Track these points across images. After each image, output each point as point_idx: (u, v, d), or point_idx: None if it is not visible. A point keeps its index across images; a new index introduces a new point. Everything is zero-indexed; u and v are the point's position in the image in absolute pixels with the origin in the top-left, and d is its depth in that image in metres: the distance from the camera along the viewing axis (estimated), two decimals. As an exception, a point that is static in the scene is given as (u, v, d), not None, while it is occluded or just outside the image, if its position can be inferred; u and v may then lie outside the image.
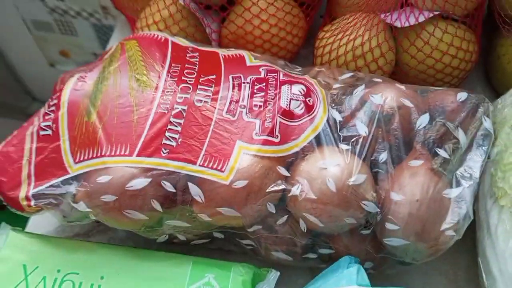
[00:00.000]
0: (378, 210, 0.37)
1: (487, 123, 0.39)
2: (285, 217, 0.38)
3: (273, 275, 0.40)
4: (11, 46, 1.05)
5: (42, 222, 0.46)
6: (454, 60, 0.49)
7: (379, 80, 0.42)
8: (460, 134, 0.38)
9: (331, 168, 0.36)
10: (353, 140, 0.38)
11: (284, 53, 0.53)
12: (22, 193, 0.39)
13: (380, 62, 0.49)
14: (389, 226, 0.37)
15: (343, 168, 0.36)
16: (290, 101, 0.39)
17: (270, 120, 0.39)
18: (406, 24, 0.48)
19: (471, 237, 0.41)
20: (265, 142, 0.38)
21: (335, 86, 0.42)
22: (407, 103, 0.39)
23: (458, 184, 0.37)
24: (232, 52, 0.46)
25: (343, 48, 0.50)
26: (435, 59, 0.49)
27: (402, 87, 0.41)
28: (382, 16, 0.48)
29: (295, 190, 0.36)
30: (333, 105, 0.40)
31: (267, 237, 0.40)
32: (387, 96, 0.39)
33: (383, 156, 0.37)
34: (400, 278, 0.43)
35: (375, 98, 0.40)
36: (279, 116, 0.39)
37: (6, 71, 1.06)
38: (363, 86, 0.41)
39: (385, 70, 0.50)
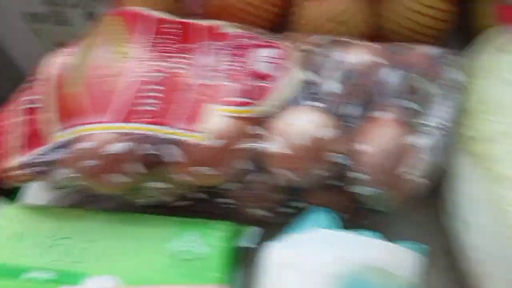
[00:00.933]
0: (347, 161, 0.38)
1: (453, 74, 0.41)
2: (262, 173, 0.40)
3: (253, 231, 0.42)
4: (8, 38, 1.07)
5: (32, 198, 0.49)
6: (431, 20, 0.50)
7: (352, 40, 0.44)
8: (429, 86, 0.40)
9: (304, 124, 0.38)
10: (325, 97, 0.40)
11: (261, 22, 0.55)
12: (11, 163, 0.41)
13: (360, 27, 0.50)
14: (357, 176, 0.38)
15: (315, 123, 0.38)
16: (262, 64, 0.41)
17: (244, 82, 0.40)
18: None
19: (444, 187, 0.42)
20: (240, 103, 0.40)
21: (309, 48, 0.44)
22: (378, 59, 0.41)
23: (426, 133, 0.39)
24: (210, 22, 0.47)
25: (326, 16, 0.51)
26: (414, 21, 0.50)
27: (374, 45, 0.42)
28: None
29: (270, 147, 0.38)
30: (307, 65, 0.42)
31: (246, 194, 0.42)
32: (359, 54, 0.41)
33: (353, 111, 0.39)
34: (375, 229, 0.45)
35: (347, 57, 0.41)
36: (252, 78, 0.41)
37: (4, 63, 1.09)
38: (336, 47, 0.43)
39: (366, 35, 0.51)
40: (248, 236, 0.42)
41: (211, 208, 0.45)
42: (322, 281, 0.32)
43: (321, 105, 0.39)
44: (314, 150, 0.37)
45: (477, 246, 0.36)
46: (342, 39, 0.45)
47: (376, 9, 0.51)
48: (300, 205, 0.42)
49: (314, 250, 0.34)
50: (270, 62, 0.41)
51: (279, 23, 0.57)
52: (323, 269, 0.33)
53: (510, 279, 0.33)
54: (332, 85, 0.40)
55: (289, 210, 0.43)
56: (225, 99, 0.40)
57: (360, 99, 0.40)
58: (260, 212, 0.43)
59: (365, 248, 0.34)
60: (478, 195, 0.36)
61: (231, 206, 0.44)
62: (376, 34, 0.53)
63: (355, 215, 0.42)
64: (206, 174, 0.39)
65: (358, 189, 0.39)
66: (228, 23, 0.48)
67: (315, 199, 0.41)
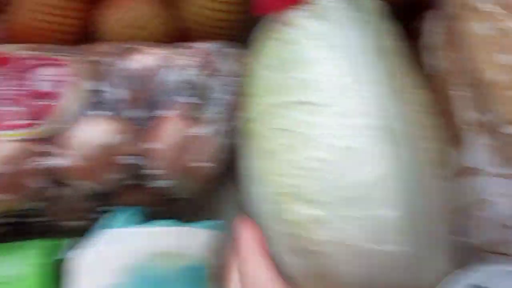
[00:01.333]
0: (139, 161, 0.41)
1: (227, 65, 0.45)
2: (63, 187, 0.41)
3: (68, 243, 0.43)
4: None
5: None
6: (224, 14, 0.53)
7: (136, 46, 0.46)
8: (203, 80, 0.44)
9: (92, 134, 0.40)
10: (111, 104, 0.42)
11: (62, 36, 0.55)
12: None
13: (159, 29, 0.53)
14: (151, 172, 0.42)
15: (103, 131, 0.40)
16: (44, 83, 0.42)
17: (27, 104, 0.41)
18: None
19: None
20: (24, 126, 0.41)
21: (95, 58, 0.45)
22: (159, 62, 0.43)
23: (206, 121, 0.43)
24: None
25: (119, 23, 0.52)
26: (207, 17, 0.53)
27: (156, 48, 0.45)
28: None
29: (62, 161, 0.40)
30: (93, 76, 0.43)
31: (55, 210, 0.43)
32: (134, 59, 0.43)
33: (140, 113, 0.42)
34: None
35: (123, 63, 0.43)
36: (34, 99, 0.42)
37: None
38: (116, 54, 0.45)
39: (167, 36, 0.53)
40: (66, 248, 0.43)
41: (27, 228, 0.45)
42: (110, 276, 0.35)
43: (108, 113, 0.42)
44: (105, 156, 0.40)
45: (259, 212, 0.40)
46: (130, 45, 0.47)
47: (174, 11, 0.54)
48: (110, 208, 0.44)
49: (101, 249, 0.36)
50: (52, 80, 0.43)
51: (82, 34, 0.58)
52: (109, 265, 0.35)
53: (280, 230, 0.37)
54: (117, 92, 0.42)
55: (101, 215, 0.45)
56: (9, 123, 0.41)
57: (145, 101, 0.42)
58: (74, 223, 0.45)
59: (154, 238, 0.37)
60: (253, 169, 0.40)
61: (46, 223, 0.45)
62: (179, 35, 0.55)
63: (163, 206, 0.45)
64: (1, 200, 0.40)
65: (156, 184, 0.42)
66: (20, 45, 0.48)
67: (121, 200, 0.44)
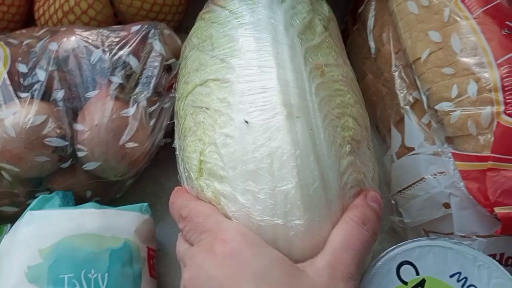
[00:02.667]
0: (67, 143, 0.41)
1: (157, 46, 0.44)
2: (-9, 172, 0.41)
3: (8, 228, 0.43)
4: None
5: None
6: None
7: (63, 29, 0.46)
8: (132, 60, 0.43)
9: (9, 117, 0.39)
10: (33, 87, 0.41)
11: (4, 24, 0.55)
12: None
13: (90, 13, 0.53)
14: (80, 154, 0.41)
15: (20, 114, 0.40)
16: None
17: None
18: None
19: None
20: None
21: (26, 41, 0.45)
22: (81, 42, 0.43)
23: (135, 102, 0.42)
24: None
25: (53, 7, 0.53)
26: (141, 0, 0.53)
27: (80, 30, 0.45)
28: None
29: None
30: (19, 59, 0.43)
31: (-15, 195, 0.43)
32: (63, 41, 0.43)
33: (61, 95, 0.41)
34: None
35: (52, 45, 0.43)
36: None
37: None
38: (47, 37, 0.44)
39: (99, 20, 0.54)
40: (4, 233, 0.43)
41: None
42: (31, 257, 0.35)
43: (32, 94, 0.41)
44: (22, 139, 0.39)
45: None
46: (61, 28, 0.47)
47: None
48: (45, 193, 0.44)
49: (22, 231, 0.36)
50: (-20, 63, 0.42)
51: (24, 21, 0.58)
52: (30, 247, 0.35)
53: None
54: (40, 74, 0.42)
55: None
56: None
57: (69, 82, 0.42)
58: (7, 209, 0.44)
59: (77, 219, 0.37)
60: (179, 147, 0.39)
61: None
62: (114, 18, 0.55)
63: (99, 189, 0.45)
64: None
65: (84, 166, 0.42)
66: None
67: (55, 184, 0.43)
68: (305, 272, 0.30)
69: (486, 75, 0.39)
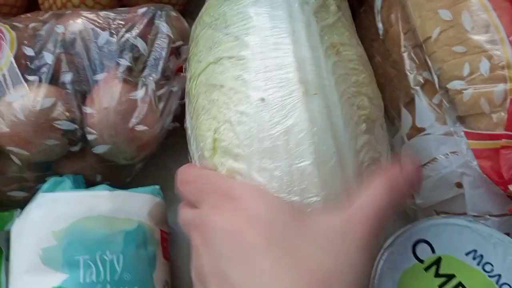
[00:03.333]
0: (76, 126, 0.40)
1: (164, 28, 0.44)
2: (2, 157, 0.41)
3: (18, 213, 0.43)
4: None
5: None
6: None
7: (68, 12, 0.45)
8: (139, 43, 0.43)
9: (17, 100, 0.39)
10: (41, 69, 0.41)
11: (7, 9, 0.54)
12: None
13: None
14: (89, 137, 0.41)
15: (28, 97, 0.39)
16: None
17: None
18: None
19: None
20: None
21: (32, 25, 0.44)
22: (88, 25, 0.42)
23: (143, 85, 0.42)
24: None
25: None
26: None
27: (86, 12, 0.44)
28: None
29: (-1, 128, 0.39)
30: (26, 42, 0.42)
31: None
32: (69, 24, 0.43)
33: (69, 78, 0.41)
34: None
35: (59, 28, 0.43)
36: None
37: None
38: (53, 20, 0.44)
39: (103, 4, 0.53)
40: (14, 219, 0.43)
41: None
42: (44, 239, 0.34)
43: (40, 77, 0.41)
44: (31, 121, 0.39)
45: None
46: (66, 11, 0.46)
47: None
48: (52, 177, 0.43)
49: (34, 214, 0.36)
50: (-13, 47, 0.42)
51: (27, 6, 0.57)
52: (42, 229, 0.35)
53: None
54: (47, 56, 0.41)
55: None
56: None
57: (77, 65, 0.42)
58: (20, 194, 0.44)
59: (89, 202, 0.37)
60: (192, 127, 0.39)
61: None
62: (120, 3, 0.55)
63: (109, 173, 0.44)
64: None
65: (93, 149, 0.41)
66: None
67: (65, 169, 0.43)
68: (316, 220, 0.30)
69: (498, 52, 0.38)
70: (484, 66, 0.39)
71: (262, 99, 0.33)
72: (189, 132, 0.40)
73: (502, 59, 0.38)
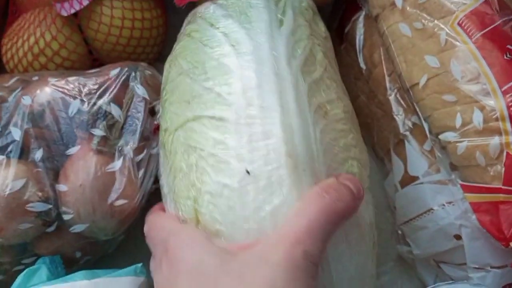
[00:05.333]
0: (50, 206, 0.38)
1: (139, 90, 0.41)
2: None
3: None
4: None
5: None
6: (134, 31, 0.50)
7: (35, 78, 0.42)
8: (113, 109, 0.40)
9: (-7, 183, 0.36)
10: (8, 147, 0.38)
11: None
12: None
13: (63, 53, 0.49)
14: (65, 216, 0.38)
15: (8, 178, 0.36)
16: None
17: None
18: (73, 11, 0.48)
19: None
20: None
21: (-1, 94, 0.41)
22: (56, 94, 0.40)
23: (121, 155, 0.39)
24: None
25: (22, 51, 0.49)
26: (115, 35, 0.50)
27: (54, 79, 0.41)
28: (57, 7, 0.47)
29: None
30: (-6, 115, 0.40)
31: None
32: (36, 94, 0.40)
33: (39, 154, 0.38)
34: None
35: (25, 99, 0.40)
36: None
37: None
38: (19, 89, 0.41)
39: (73, 59, 0.50)
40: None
41: None
42: None
43: (7, 156, 0.38)
44: (9, 207, 0.36)
45: None
46: (33, 76, 0.43)
47: (81, 35, 0.50)
48: (30, 260, 0.40)
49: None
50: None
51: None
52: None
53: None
54: (15, 132, 0.38)
55: (22, 268, 0.41)
56: None
57: (47, 139, 0.39)
58: (-4, 277, 0.41)
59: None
60: (167, 186, 0.36)
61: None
62: (91, 57, 0.52)
63: (89, 249, 0.42)
64: None
65: (72, 229, 0.39)
66: None
67: (42, 249, 0.40)
68: (243, 253, 0.28)
69: (491, 103, 0.37)
70: (477, 118, 0.37)
71: (247, 172, 0.31)
72: (165, 190, 0.37)
73: (495, 110, 0.37)
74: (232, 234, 0.30)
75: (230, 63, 0.35)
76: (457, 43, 0.39)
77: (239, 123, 0.32)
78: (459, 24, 0.39)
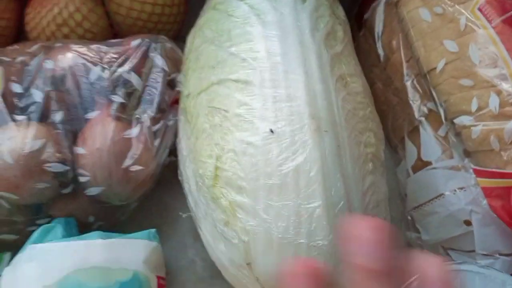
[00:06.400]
0: (68, 168, 0.38)
1: (159, 61, 0.42)
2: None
3: (8, 257, 0.41)
4: None
5: None
6: (156, 7, 0.51)
7: (58, 44, 0.43)
8: (133, 77, 0.41)
9: (5, 143, 0.37)
10: (29, 108, 0.39)
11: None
12: None
13: (85, 25, 0.50)
14: (82, 179, 0.39)
15: (17, 139, 0.37)
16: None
17: None
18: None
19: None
20: None
21: (20, 58, 0.42)
22: (78, 60, 0.40)
23: (138, 122, 0.40)
24: None
25: (45, 20, 0.50)
26: (137, 10, 0.51)
27: (76, 46, 0.42)
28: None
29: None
30: (13, 78, 0.40)
31: (-17, 224, 0.40)
32: (59, 59, 0.41)
33: (59, 117, 0.39)
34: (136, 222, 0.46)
35: (48, 63, 0.41)
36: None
37: None
38: (41, 53, 0.42)
39: (95, 32, 0.51)
40: (3, 261, 0.41)
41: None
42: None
43: (28, 117, 0.39)
44: (20, 165, 0.37)
45: (192, 196, 0.37)
46: (57, 43, 0.44)
47: (105, 8, 0.51)
48: (46, 220, 0.41)
49: (24, 266, 0.34)
50: (-28, 84, 0.40)
51: (15, 35, 0.55)
52: (34, 282, 0.33)
53: (212, 215, 0.34)
54: (36, 94, 0.39)
55: (36, 228, 0.42)
56: None
57: (67, 103, 0.40)
58: (11, 237, 0.42)
59: (82, 252, 0.35)
60: (188, 149, 0.37)
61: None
62: (112, 31, 0.53)
63: (102, 214, 0.42)
64: None
65: (88, 192, 0.39)
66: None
67: (56, 211, 0.41)
68: None
69: (508, 87, 0.37)
70: (494, 102, 0.37)
71: (271, 131, 0.32)
72: (183, 152, 0.38)
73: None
74: (255, 189, 0.31)
75: (256, 31, 0.36)
76: (477, 28, 0.39)
77: (263, 86, 0.33)
78: (480, 9, 0.39)
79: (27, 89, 0.40)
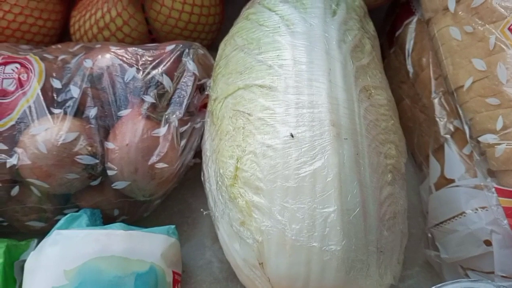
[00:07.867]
0: (97, 161, 0.40)
1: (190, 66, 0.44)
2: (16, 187, 0.41)
3: (35, 243, 0.43)
4: None
5: None
6: (192, 16, 0.53)
7: (98, 45, 0.46)
8: (165, 80, 0.43)
9: (41, 133, 0.39)
10: (66, 103, 0.41)
11: (40, 38, 0.55)
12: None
13: (125, 30, 0.53)
14: (109, 172, 0.41)
15: (52, 130, 0.39)
16: (2, 81, 0.42)
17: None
18: (140, -10, 0.52)
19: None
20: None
21: (61, 57, 0.45)
22: (115, 60, 0.43)
23: (166, 122, 0.42)
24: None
25: (88, 23, 0.53)
26: (175, 18, 0.53)
27: (115, 47, 0.44)
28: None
29: (13, 160, 0.39)
30: (54, 74, 0.43)
31: (14, 209, 0.42)
32: (97, 59, 0.43)
33: (93, 112, 0.41)
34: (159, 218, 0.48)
35: (87, 62, 0.43)
36: (-4, 97, 0.41)
37: None
38: (82, 53, 0.44)
39: (134, 37, 0.54)
40: (30, 248, 0.43)
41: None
42: (55, 278, 0.34)
43: (65, 111, 0.41)
44: (53, 155, 0.39)
45: (212, 195, 0.38)
46: (96, 45, 0.47)
47: (145, 14, 0.54)
48: (70, 209, 0.43)
49: (47, 252, 0.35)
50: (10, 78, 0.42)
51: (60, 35, 0.58)
52: (54, 268, 0.34)
53: (229, 214, 0.35)
54: (74, 90, 0.42)
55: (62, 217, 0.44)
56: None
57: (102, 100, 0.42)
58: (38, 224, 0.44)
59: (103, 241, 0.36)
60: (211, 149, 0.39)
61: (7, 223, 0.44)
62: (150, 36, 0.55)
63: (126, 208, 0.44)
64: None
65: (114, 185, 0.41)
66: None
67: (83, 202, 0.43)
68: None
69: (535, 107, 0.37)
70: (519, 121, 0.37)
71: (291, 135, 0.33)
72: (207, 153, 0.39)
73: (538, 115, 0.36)
74: (272, 191, 0.32)
75: (284, 40, 0.37)
76: (506, 47, 0.39)
77: (287, 92, 0.35)
78: (510, 29, 0.39)
79: (66, 85, 0.42)
